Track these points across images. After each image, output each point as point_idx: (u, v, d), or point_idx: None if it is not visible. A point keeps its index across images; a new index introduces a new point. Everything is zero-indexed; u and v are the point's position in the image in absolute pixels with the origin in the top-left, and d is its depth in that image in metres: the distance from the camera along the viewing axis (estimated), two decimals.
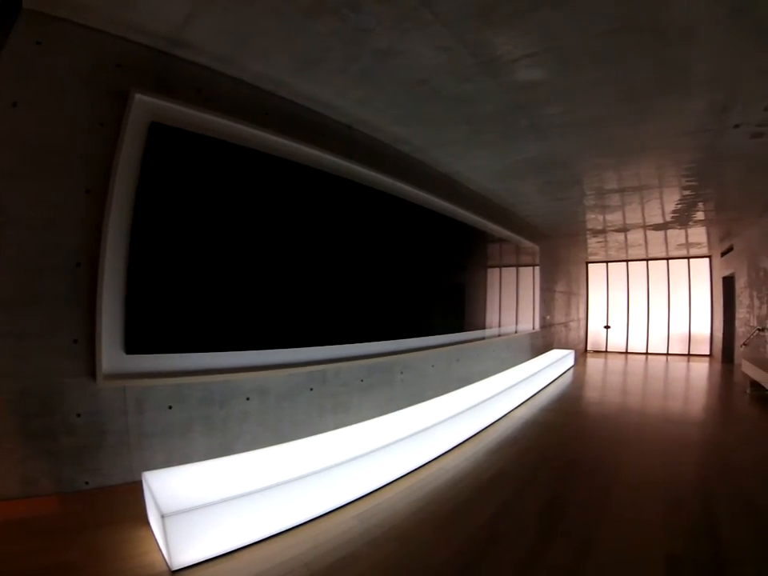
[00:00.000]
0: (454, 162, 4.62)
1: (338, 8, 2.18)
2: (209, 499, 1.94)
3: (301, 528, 2.30)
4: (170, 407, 2.37)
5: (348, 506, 2.57)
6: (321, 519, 2.41)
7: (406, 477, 3.09)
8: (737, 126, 3.54)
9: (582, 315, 13.06)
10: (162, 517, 1.78)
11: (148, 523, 2.11)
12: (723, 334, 10.46)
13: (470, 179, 5.26)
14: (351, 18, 2.25)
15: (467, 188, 5.53)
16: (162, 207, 2.42)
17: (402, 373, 4.02)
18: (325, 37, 2.41)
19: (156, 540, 1.99)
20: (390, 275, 3.98)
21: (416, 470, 3.22)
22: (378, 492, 2.82)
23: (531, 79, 2.87)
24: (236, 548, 2.04)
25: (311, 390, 3.09)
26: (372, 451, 2.79)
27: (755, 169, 4.70)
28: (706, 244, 10.38)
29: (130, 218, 2.30)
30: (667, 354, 12.38)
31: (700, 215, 7.17)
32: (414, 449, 3.21)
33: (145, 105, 2.36)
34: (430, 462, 3.40)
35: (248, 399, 2.66)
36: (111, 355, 2.19)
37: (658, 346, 12.69)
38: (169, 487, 2.04)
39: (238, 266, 2.69)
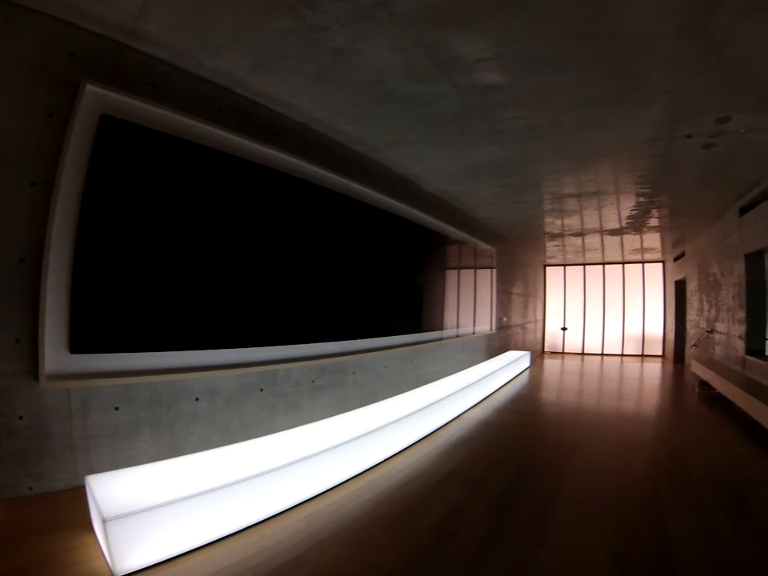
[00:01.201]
0: (409, 163, 4.73)
1: (295, 5, 2.22)
2: (153, 503, 1.98)
3: (248, 531, 2.37)
4: (117, 408, 2.39)
5: (296, 508, 2.66)
6: (268, 522, 2.48)
7: (356, 477, 3.20)
8: (689, 136, 3.80)
9: (539, 317, 13.66)
10: (104, 522, 1.81)
11: (93, 529, 2.13)
12: (675, 335, 11.25)
13: (426, 181, 5.40)
14: (308, 15, 2.30)
15: (423, 189, 5.68)
16: (111, 202, 2.42)
17: (354, 373, 4.15)
18: (281, 34, 2.45)
19: (100, 546, 2.01)
20: (344, 276, 4.09)
21: (367, 470, 3.35)
22: (328, 493, 2.91)
23: (488, 82, 2.98)
24: (181, 552, 2.09)
25: (261, 390, 3.17)
26: (321, 452, 2.87)
27: (706, 178, 5.06)
28: (659, 249, 11.05)
29: (76, 212, 2.29)
30: (622, 355, 13.18)
31: (654, 221, 7.63)
32: (364, 449, 3.32)
33: (96, 96, 2.36)
34: (381, 462, 3.53)
35: (197, 400, 2.71)
36: (55, 355, 2.19)
37: (613, 347, 13.49)
38: (113, 491, 2.07)
39: (187, 263, 2.73)
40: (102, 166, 2.40)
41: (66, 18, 2.31)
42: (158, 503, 1.99)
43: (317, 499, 2.82)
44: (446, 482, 3.23)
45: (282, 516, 2.56)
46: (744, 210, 5.82)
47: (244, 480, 2.34)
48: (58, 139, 2.24)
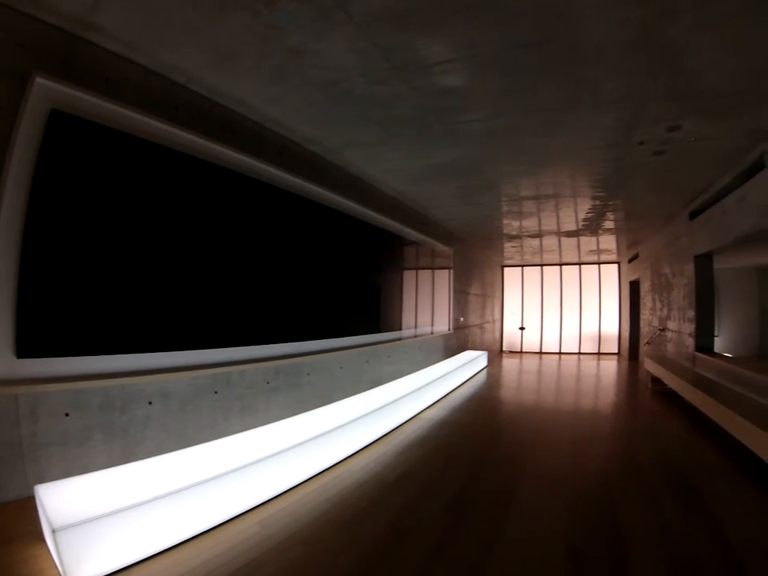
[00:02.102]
0: (366, 164, 4.81)
1: (252, 3, 2.24)
2: (106, 511, 2.00)
3: (202, 537, 2.41)
4: (67, 414, 2.36)
5: (252, 512, 2.72)
6: (223, 526, 2.53)
7: (313, 479, 3.30)
8: (641, 143, 4.03)
9: (497, 317, 14.11)
10: (53, 532, 1.81)
11: (44, 540, 2.11)
12: (629, 333, 11.95)
13: (382, 182, 5.49)
14: (265, 14, 2.32)
15: (380, 191, 5.79)
16: (60, 201, 2.38)
17: (309, 375, 4.22)
18: (238, 31, 2.47)
19: (52, 557, 2.00)
20: (300, 276, 4.15)
21: (323, 471, 3.45)
22: (284, 496, 2.99)
23: (445, 85, 3.08)
24: (136, 561, 2.11)
25: (216, 392, 3.20)
26: (277, 454, 2.94)
27: (658, 184, 5.40)
28: (615, 251, 11.66)
29: (23, 211, 2.26)
30: (579, 353, 13.89)
31: (609, 224, 8.04)
32: (320, 451, 3.42)
33: (46, 90, 2.32)
34: (337, 463, 3.64)
35: (150, 403, 2.73)
36: (1, 360, 2.16)
37: (570, 345, 14.20)
38: (64, 500, 2.07)
39: (138, 263, 2.71)
40: (51, 163, 2.36)
41: (16, 7, 2.25)
42: (111, 511, 2.01)
43: (273, 502, 2.89)
44: (401, 481, 3.35)
45: (237, 520, 2.62)
46: (694, 215, 6.24)
47: (197, 484, 2.38)
48: (5, 134, 2.20)
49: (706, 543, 2.48)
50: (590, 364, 11.43)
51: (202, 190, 3.17)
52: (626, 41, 2.53)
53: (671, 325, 7.74)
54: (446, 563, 2.29)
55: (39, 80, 2.30)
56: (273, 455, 2.92)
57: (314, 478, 3.34)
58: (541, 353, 14.27)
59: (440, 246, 8.18)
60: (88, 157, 2.51)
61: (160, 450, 2.74)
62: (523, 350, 14.61)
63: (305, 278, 4.25)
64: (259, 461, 2.81)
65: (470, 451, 4.14)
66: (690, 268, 6.48)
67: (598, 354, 13.75)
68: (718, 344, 11.07)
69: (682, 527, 2.67)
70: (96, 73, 2.57)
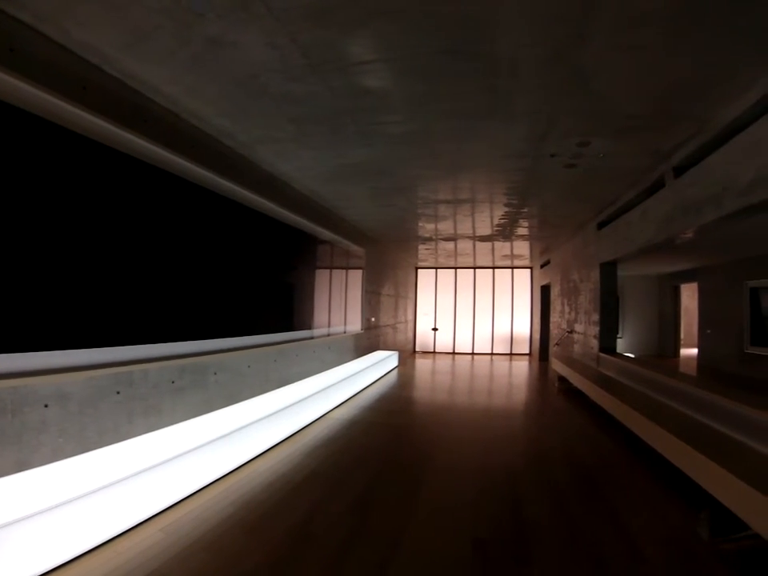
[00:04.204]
0: (279, 161, 4.83)
1: None
2: None
3: (101, 548, 2.38)
4: None
5: (155, 518, 2.73)
6: (124, 536, 2.51)
7: (219, 481, 3.35)
8: (553, 155, 4.37)
9: (410, 318, 14.65)
10: None
11: None
12: (540, 335, 13.00)
13: (295, 180, 5.53)
14: None
15: (292, 188, 5.83)
16: None
17: (216, 374, 4.22)
18: (155, 14, 2.40)
19: None
20: (208, 273, 4.16)
21: (229, 473, 3.51)
22: (189, 500, 3.02)
23: (363, 86, 3.17)
24: None
25: (118, 393, 3.13)
26: (181, 456, 2.96)
27: (568, 194, 5.89)
28: (528, 256, 12.58)
29: None
30: (492, 354, 14.81)
31: (523, 231, 8.62)
32: (226, 452, 3.48)
33: None
34: (244, 464, 3.72)
35: (46, 406, 2.62)
36: None
37: (483, 346, 15.11)
38: None
39: (26, 253, 2.58)
40: None
41: None
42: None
43: (177, 506, 2.91)
44: (308, 482, 3.48)
45: (140, 528, 2.62)
46: (601, 225, 6.92)
47: (96, 491, 2.35)
48: None
49: (606, 531, 2.81)
50: (501, 364, 12.23)
51: (108, 177, 3.09)
52: (540, 58, 2.75)
53: (578, 327, 8.46)
54: (352, 564, 2.40)
55: None
56: (177, 457, 2.94)
57: (220, 480, 3.38)
58: (454, 353, 15.01)
59: (353, 247, 8.39)
60: None
61: (58, 456, 2.65)
62: (436, 351, 15.29)
63: (214, 274, 4.25)
64: (163, 463, 2.81)
65: (378, 451, 4.35)
66: (596, 274, 7.18)
67: (510, 354, 14.74)
68: (622, 345, 12.60)
69: (582, 516, 3.02)
70: (1, 42, 2.42)
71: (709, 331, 10.49)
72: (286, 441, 4.49)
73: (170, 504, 2.91)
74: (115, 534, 2.50)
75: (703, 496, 2.77)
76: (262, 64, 2.90)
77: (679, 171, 4.21)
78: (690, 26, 2.40)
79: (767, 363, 8.31)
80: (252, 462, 3.84)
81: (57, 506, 2.17)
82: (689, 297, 13.31)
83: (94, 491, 2.35)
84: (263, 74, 3.02)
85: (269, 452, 4.12)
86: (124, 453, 2.91)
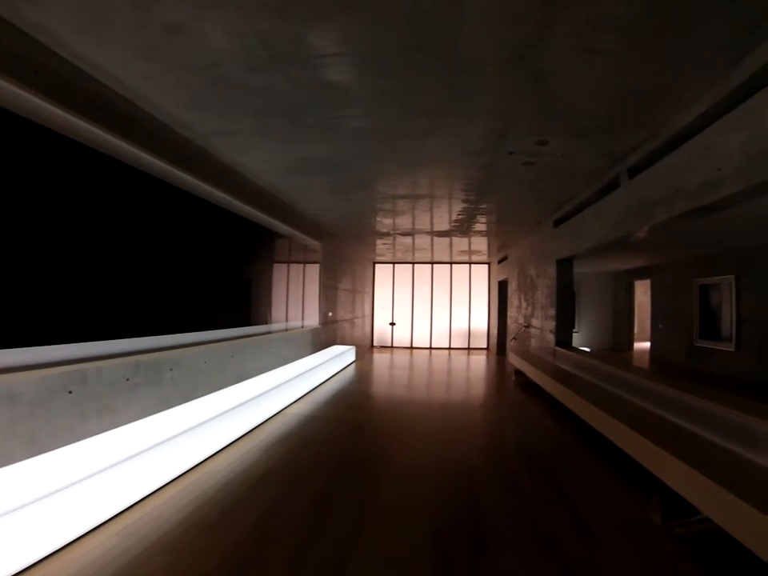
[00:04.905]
0: (237, 153, 4.76)
1: None
2: None
3: (53, 557, 2.31)
4: None
5: (110, 521, 2.68)
6: (79, 541, 2.46)
7: (176, 481, 3.32)
8: (511, 153, 4.47)
9: (367, 312, 14.75)
10: None
11: None
12: (498, 330, 13.28)
13: (254, 173, 5.47)
14: None
15: (251, 182, 5.77)
16: None
17: (171, 370, 4.16)
18: None
19: None
20: (162, 267, 4.10)
21: (187, 472, 3.48)
22: (145, 501, 2.98)
23: (324, 80, 3.16)
24: None
25: (71, 392, 3.04)
26: (136, 455, 2.91)
27: (526, 192, 6.06)
28: (485, 252, 12.82)
29: None
30: (449, 348, 15.07)
31: (481, 227, 8.78)
32: (183, 450, 3.44)
33: None
34: (201, 462, 3.70)
35: None
36: None
37: (441, 341, 15.35)
38: None
39: None
40: None
41: None
42: None
43: (134, 508, 2.87)
44: (266, 479, 3.49)
45: (95, 532, 2.56)
46: (558, 222, 7.12)
47: (47, 496, 2.28)
48: None
49: (562, 518, 2.96)
50: (459, 359, 12.48)
51: (59, 167, 3.00)
52: (504, 57, 2.83)
53: (535, 322, 8.73)
54: (311, 561, 2.41)
55: None
56: (133, 457, 2.89)
57: (178, 479, 3.36)
58: (411, 348, 15.19)
59: (310, 241, 8.38)
60: None
61: (7, 460, 2.55)
62: (394, 345, 15.43)
63: (170, 268, 4.19)
64: (119, 464, 2.76)
65: (335, 446, 4.39)
66: (552, 270, 7.42)
67: (468, 349, 15.03)
68: (578, 339, 13.14)
69: (539, 505, 3.16)
70: None
71: (661, 326, 11.12)
72: (243, 437, 4.48)
73: (127, 506, 2.86)
74: (70, 540, 2.44)
75: (655, 483, 2.93)
76: (222, 53, 2.85)
77: (634, 172, 4.41)
78: (650, 35, 2.54)
79: (715, 355, 8.91)
80: (210, 459, 3.82)
81: (7, 513, 2.10)
82: (642, 293, 14.05)
83: (46, 496, 2.29)
84: (223, 63, 2.97)
85: (227, 449, 4.10)
86: (78, 454, 2.84)
